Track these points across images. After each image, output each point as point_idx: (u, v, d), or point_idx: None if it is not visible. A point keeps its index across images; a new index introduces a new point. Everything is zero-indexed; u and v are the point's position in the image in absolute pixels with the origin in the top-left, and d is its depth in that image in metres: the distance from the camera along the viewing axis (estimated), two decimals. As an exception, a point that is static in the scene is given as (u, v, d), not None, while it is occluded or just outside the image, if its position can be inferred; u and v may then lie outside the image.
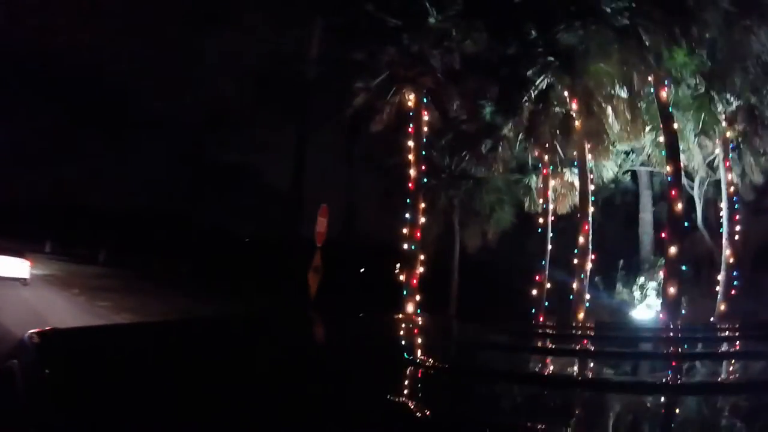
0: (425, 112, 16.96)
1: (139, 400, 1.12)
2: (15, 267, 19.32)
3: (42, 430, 1.06)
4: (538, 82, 17.33)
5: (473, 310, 19.62)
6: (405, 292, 15.00)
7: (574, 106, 17.10)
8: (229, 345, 1.96)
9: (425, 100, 16.95)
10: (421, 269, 15.55)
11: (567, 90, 17.46)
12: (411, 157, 16.39)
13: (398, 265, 16.46)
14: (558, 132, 18.10)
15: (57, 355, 1.44)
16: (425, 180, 16.93)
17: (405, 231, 15.64)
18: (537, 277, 18.36)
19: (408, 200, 16.63)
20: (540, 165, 19.87)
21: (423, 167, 16.45)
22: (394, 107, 17.17)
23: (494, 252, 22.43)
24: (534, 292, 18.20)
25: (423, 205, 16.27)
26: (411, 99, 16.89)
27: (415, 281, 15.25)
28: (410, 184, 16.25)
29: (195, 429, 0.97)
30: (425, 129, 16.96)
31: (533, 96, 17.58)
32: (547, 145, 18.59)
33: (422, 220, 16.06)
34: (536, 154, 19.51)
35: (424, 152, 17.09)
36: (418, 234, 15.66)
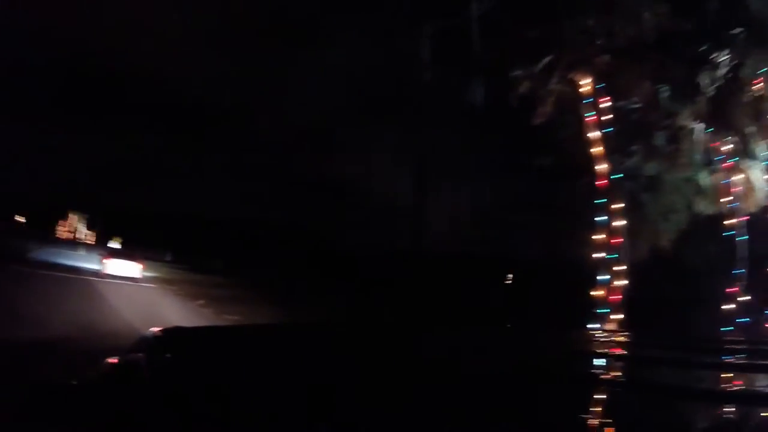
0: (597, 99, 14.71)
1: (250, 395, 1.23)
2: (129, 268, 22.38)
3: (166, 415, 1.17)
4: (725, 59, 14.68)
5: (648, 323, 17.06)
6: (600, 308, 12.78)
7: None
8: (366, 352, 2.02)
9: (597, 86, 14.68)
10: (621, 281, 13.25)
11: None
12: (596, 150, 14.12)
13: (509, 276, 14.47)
14: (748, 118, 15.33)
15: (176, 349, 1.63)
16: (612, 177, 14.55)
17: (596, 237, 13.36)
18: (730, 288, 15.49)
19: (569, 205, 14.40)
20: (718, 158, 16.98)
21: (607, 164, 14.15)
22: (555, 96, 15.07)
23: (666, 260, 19.52)
24: (725, 305, 15.37)
25: (619, 205, 13.94)
26: (584, 84, 14.69)
27: (613, 295, 12.99)
28: (600, 182, 13.94)
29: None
30: (599, 117, 14.68)
31: (720, 76, 14.92)
32: (734, 134, 15.79)
33: (619, 222, 13.73)
34: (717, 144, 16.66)
35: (590, 146, 14.85)
36: (614, 240, 13.38)
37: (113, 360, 1.69)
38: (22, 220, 52.49)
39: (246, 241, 52.68)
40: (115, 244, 38.09)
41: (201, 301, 20.45)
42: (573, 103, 14.86)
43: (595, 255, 13.20)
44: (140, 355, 1.61)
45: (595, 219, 13.63)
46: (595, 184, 13.90)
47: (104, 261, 22.66)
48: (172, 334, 1.90)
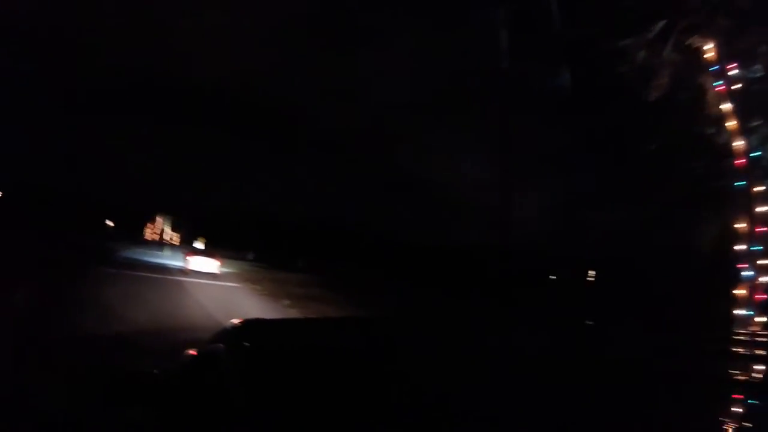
0: (724, 66, 12.70)
1: (333, 387, 1.27)
2: (208, 265, 24.57)
3: (244, 405, 1.22)
4: None
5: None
6: (742, 309, 10.86)
7: None
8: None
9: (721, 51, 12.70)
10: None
11: None
12: (730, 124, 12.13)
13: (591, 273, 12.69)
14: None
15: (256, 340, 1.68)
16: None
17: (737, 226, 11.36)
18: None
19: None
20: None
21: (743, 140, 12.12)
22: (672, 66, 13.18)
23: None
24: None
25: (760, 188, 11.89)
26: (707, 50, 12.74)
27: (758, 294, 11.00)
28: (739, 161, 11.96)
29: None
30: (729, 86, 12.68)
31: None
32: None
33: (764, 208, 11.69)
34: None
35: (718, 120, 12.85)
36: (759, 229, 11.36)
37: (193, 351, 1.80)
38: (111, 224, 55.13)
39: (326, 239, 52.78)
40: (199, 244, 39.28)
41: (287, 301, 20.05)
42: (693, 73, 12.93)
43: (735, 247, 11.18)
44: (220, 345, 1.66)
45: (733, 205, 11.60)
46: (727, 165, 11.91)
47: (187, 258, 24.91)
48: (252, 324, 1.94)
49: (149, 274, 19.61)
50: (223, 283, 20.79)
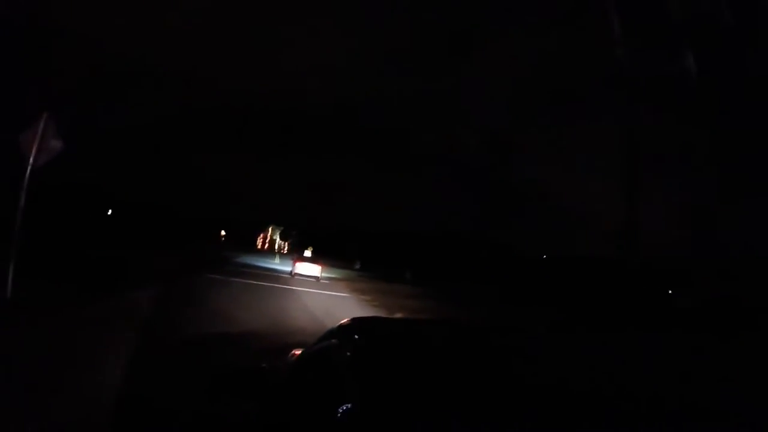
0: None
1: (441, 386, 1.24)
2: (312, 269, 27.11)
3: (356, 397, 1.23)
4: None
5: None
6: None
7: None
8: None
9: None
10: None
11: None
12: None
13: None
14: None
15: (368, 335, 1.68)
16: None
17: None
18: None
19: None
20: None
21: None
22: None
23: None
24: None
25: None
26: None
27: None
28: None
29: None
30: None
31: None
32: None
33: None
34: None
35: None
36: None
37: (298, 351, 1.98)
38: (223, 233, 57.58)
39: (433, 251, 51.63)
40: (307, 252, 39.92)
41: (399, 314, 18.91)
42: None
43: None
44: (333, 341, 1.69)
45: None
46: None
47: (295, 264, 27.56)
48: (364, 321, 1.95)
49: (259, 282, 19.16)
50: (332, 293, 20.24)
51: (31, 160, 7.37)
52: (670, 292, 30.65)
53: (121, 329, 6.82)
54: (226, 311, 10.40)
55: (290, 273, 26.64)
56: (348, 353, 1.52)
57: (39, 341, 5.75)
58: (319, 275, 27.12)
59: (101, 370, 4.79)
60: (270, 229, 72.24)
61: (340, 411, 1.25)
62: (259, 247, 69.12)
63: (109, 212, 42.52)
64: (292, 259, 29.54)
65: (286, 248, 65.81)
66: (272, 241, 72.74)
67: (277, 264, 37.19)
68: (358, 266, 46.37)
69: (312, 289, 18.66)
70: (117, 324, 7.29)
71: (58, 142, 7.60)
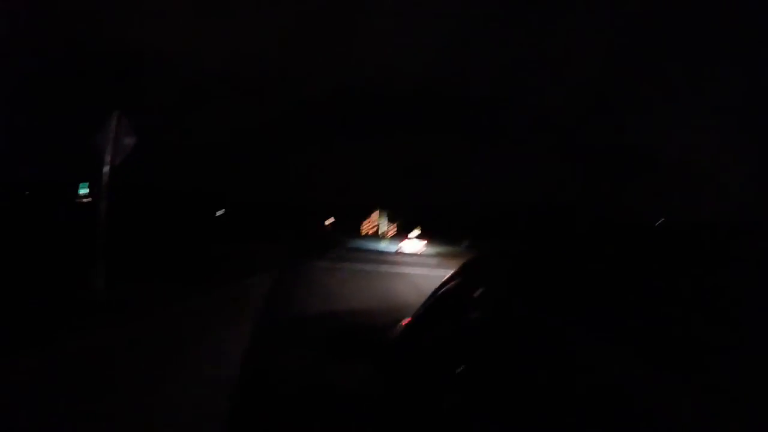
0: None
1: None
2: (415, 246, 28.89)
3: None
4: None
5: None
6: None
7: None
8: None
9: None
10: None
11: None
12: None
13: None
14: None
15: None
16: None
17: None
18: None
19: None
20: None
21: None
22: None
23: None
24: None
25: None
26: None
27: None
28: None
29: None
30: None
31: None
32: None
33: None
34: None
35: None
36: None
37: (406, 321, 2.00)
38: (331, 220, 58.46)
39: (542, 224, 49.29)
40: (414, 233, 39.67)
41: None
42: None
43: None
44: (446, 289, 1.72)
45: None
46: None
47: (400, 243, 29.80)
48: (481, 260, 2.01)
49: (364, 267, 18.97)
50: (440, 272, 19.81)
51: (107, 158, 7.54)
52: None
53: (233, 313, 7.36)
54: (334, 292, 10.55)
55: (396, 251, 28.13)
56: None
57: (155, 329, 6.13)
58: (421, 251, 28.63)
59: (218, 348, 5.21)
60: (376, 214, 72.76)
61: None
62: (365, 232, 69.96)
63: (221, 212, 44.34)
64: (398, 241, 31.86)
65: (392, 231, 65.89)
66: (378, 225, 73.31)
67: (383, 247, 38.20)
68: (467, 243, 45.52)
69: (419, 271, 18.18)
70: (228, 310, 7.74)
71: (131, 139, 7.71)
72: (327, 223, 57.65)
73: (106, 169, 7.58)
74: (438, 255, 29.70)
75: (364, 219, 71.93)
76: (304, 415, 3.27)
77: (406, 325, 1.96)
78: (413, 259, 24.24)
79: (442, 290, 1.82)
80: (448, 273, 1.97)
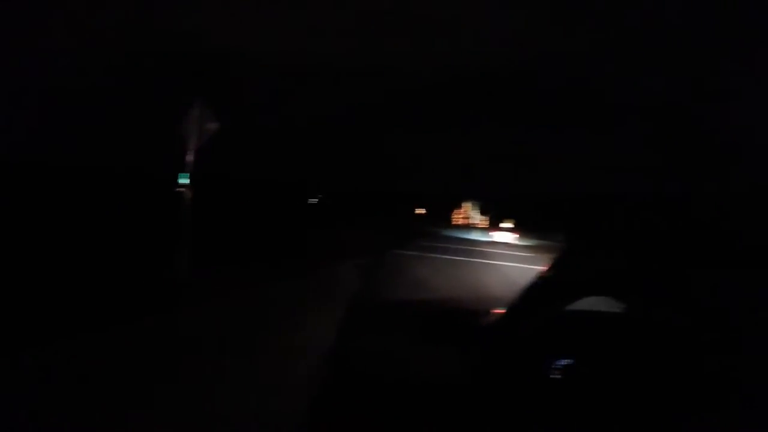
0: None
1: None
2: (507, 237, 29.54)
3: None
4: None
5: None
6: None
7: None
8: None
9: None
10: None
11: None
12: None
13: None
14: None
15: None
16: None
17: None
18: None
19: None
20: None
21: None
22: None
23: None
24: None
25: None
26: None
27: None
28: None
29: None
30: None
31: None
32: None
33: None
34: None
35: None
36: None
37: (498, 311, 2.02)
38: (422, 212, 58.43)
39: (645, 215, 46.37)
40: (506, 225, 38.99)
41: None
42: None
43: None
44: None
45: None
46: None
47: (491, 233, 30.62)
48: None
49: (456, 257, 18.84)
50: (533, 267, 19.45)
51: (191, 145, 7.92)
52: None
53: (321, 296, 7.53)
54: (424, 281, 10.44)
55: (488, 240, 28.91)
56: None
57: (240, 314, 6.19)
58: (513, 242, 29.24)
59: (306, 330, 5.38)
60: (467, 205, 71.88)
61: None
62: (456, 222, 69.42)
63: (314, 200, 45.34)
64: (489, 230, 32.53)
65: (484, 223, 64.86)
66: (469, 216, 72.39)
67: (474, 236, 38.17)
68: (561, 239, 43.90)
69: (512, 263, 17.73)
70: (317, 293, 7.87)
71: (213, 125, 8.03)
72: (418, 212, 57.57)
73: (190, 156, 7.92)
74: (530, 247, 29.34)
75: (456, 210, 71.31)
76: (389, 396, 3.10)
77: (501, 313, 1.94)
78: (505, 251, 23.85)
79: (539, 281, 1.77)
80: (540, 266, 1.87)
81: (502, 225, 39.08)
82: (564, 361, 1.60)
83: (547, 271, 1.76)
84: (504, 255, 21.98)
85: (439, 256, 18.00)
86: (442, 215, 62.45)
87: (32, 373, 3.73)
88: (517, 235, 31.02)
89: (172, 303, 6.31)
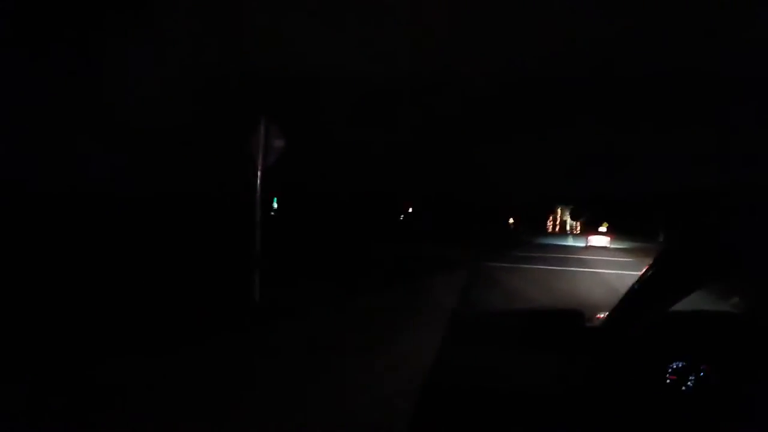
0: None
1: None
2: (602, 241, 30.38)
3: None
4: None
5: None
6: None
7: None
8: None
9: None
10: None
11: None
12: None
13: None
14: None
15: None
16: None
17: None
18: None
19: None
20: None
21: None
22: None
23: None
24: None
25: None
26: None
27: None
28: None
29: None
30: None
31: None
32: None
33: None
34: None
35: None
36: None
37: (601, 316, 2.01)
38: (512, 220, 57.50)
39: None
40: (601, 228, 37.52)
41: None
42: None
43: None
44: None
45: None
46: None
47: (587, 238, 31.07)
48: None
49: (552, 266, 18.62)
50: (633, 273, 18.55)
51: (259, 164, 7.84)
52: None
53: (414, 308, 7.53)
54: (520, 291, 10.44)
55: (584, 246, 29.88)
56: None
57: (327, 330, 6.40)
58: (608, 245, 30.09)
59: (401, 345, 5.43)
60: (559, 210, 69.80)
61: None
62: (549, 230, 67.35)
63: (404, 215, 45.75)
64: (585, 235, 32.75)
65: (578, 228, 62.70)
66: (563, 222, 70.09)
67: (569, 243, 37.79)
68: (661, 239, 41.54)
69: (612, 270, 17.22)
70: (412, 299, 8.12)
71: (281, 141, 7.95)
72: (509, 222, 56.67)
73: (259, 174, 7.90)
74: (628, 249, 28.98)
75: (548, 216, 69.42)
76: (488, 407, 3.20)
77: (605, 318, 1.89)
78: (603, 258, 23.22)
79: (642, 283, 1.76)
80: (640, 270, 1.90)
81: (598, 229, 37.52)
82: (679, 364, 1.59)
83: (648, 271, 1.74)
84: (602, 262, 21.42)
85: (533, 266, 17.70)
86: (535, 222, 61.04)
87: (154, 378, 4.30)
88: (610, 239, 31.52)
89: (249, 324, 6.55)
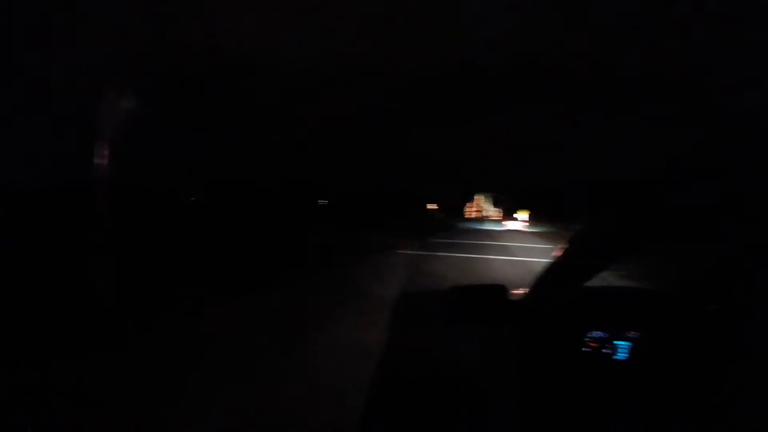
0: None
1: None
2: (517, 224, 31.05)
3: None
4: None
5: None
6: None
7: None
8: None
9: None
10: None
11: None
12: None
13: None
14: None
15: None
16: None
17: None
18: None
19: None
20: None
21: None
22: None
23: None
24: None
25: None
26: None
27: None
28: None
29: None
30: None
31: None
32: None
33: None
34: None
35: None
36: None
37: (518, 291, 2.03)
38: (434, 206, 58.51)
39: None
40: (520, 215, 38.73)
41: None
42: None
43: None
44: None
45: None
46: None
47: (503, 222, 34.10)
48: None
49: (472, 254, 18.83)
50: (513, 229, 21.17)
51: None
52: None
53: (340, 295, 7.66)
54: (441, 275, 10.55)
55: (500, 230, 31.25)
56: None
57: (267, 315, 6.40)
58: (523, 227, 31.59)
59: (329, 330, 5.47)
60: (479, 198, 71.57)
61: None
62: (469, 215, 69.08)
63: (324, 202, 45.08)
64: (502, 221, 35.71)
65: (497, 215, 64.47)
66: (482, 209, 72.02)
67: (488, 226, 39.74)
68: (577, 227, 43.66)
69: (532, 257, 17.60)
70: (336, 292, 7.95)
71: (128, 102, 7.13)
72: (430, 207, 57.24)
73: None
74: (545, 233, 30.16)
75: (468, 203, 71.07)
76: (420, 389, 3.27)
77: (523, 294, 1.95)
78: (523, 243, 23.94)
79: (557, 263, 1.79)
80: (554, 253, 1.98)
81: (517, 216, 39.02)
82: (597, 334, 1.65)
83: (563, 253, 1.76)
84: (522, 248, 21.82)
85: (454, 253, 17.86)
86: (455, 209, 62.28)
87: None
88: (527, 223, 33.11)
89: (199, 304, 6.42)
